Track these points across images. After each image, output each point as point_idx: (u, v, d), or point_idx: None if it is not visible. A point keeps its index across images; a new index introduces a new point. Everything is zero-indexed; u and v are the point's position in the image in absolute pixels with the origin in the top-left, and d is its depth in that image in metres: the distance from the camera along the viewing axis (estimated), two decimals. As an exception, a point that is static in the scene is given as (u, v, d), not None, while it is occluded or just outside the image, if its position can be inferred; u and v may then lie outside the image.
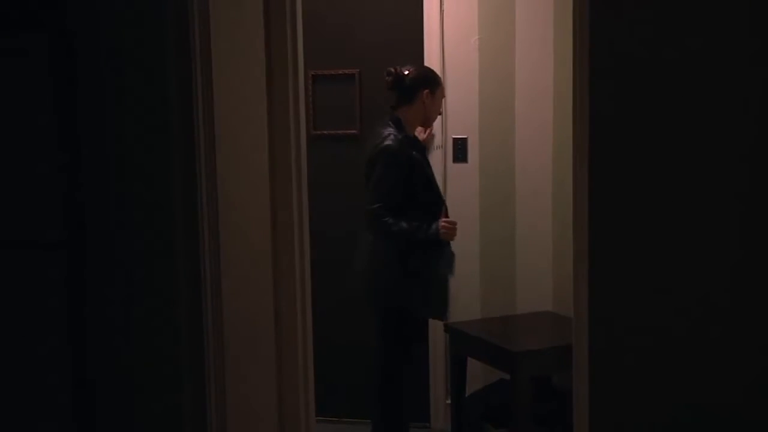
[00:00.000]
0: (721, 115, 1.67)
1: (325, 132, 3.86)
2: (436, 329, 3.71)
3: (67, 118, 1.84)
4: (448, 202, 3.69)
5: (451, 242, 3.13)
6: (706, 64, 1.67)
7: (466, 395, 3.55)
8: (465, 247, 3.73)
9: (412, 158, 3.03)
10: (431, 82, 3.16)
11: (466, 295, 3.75)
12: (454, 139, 3.72)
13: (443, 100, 3.30)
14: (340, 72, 3.83)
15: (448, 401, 3.71)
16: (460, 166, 3.73)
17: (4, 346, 1.90)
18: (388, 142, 3.01)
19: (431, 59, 3.67)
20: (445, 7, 3.66)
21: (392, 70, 3.16)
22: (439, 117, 3.50)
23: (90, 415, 1.90)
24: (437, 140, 3.71)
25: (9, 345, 1.89)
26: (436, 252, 3.08)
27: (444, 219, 3.04)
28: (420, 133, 3.36)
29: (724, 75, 1.66)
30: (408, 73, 3.14)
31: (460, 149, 3.72)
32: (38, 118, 1.85)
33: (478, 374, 3.66)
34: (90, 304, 1.88)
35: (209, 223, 1.87)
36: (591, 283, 1.77)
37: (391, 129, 3.06)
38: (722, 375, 1.71)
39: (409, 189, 3.02)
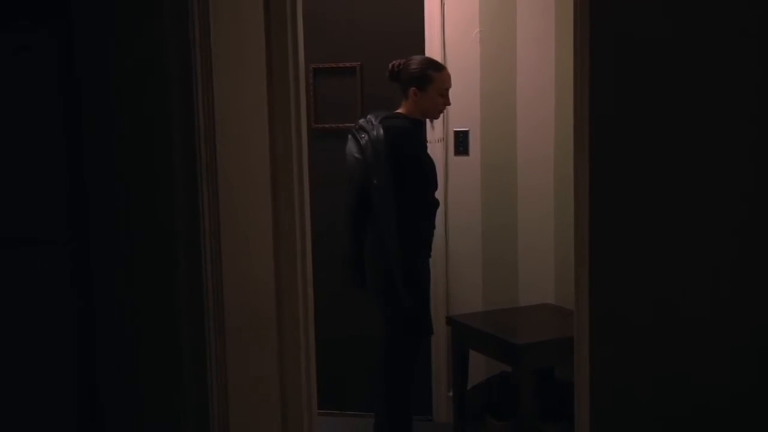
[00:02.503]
0: (723, 109, 1.67)
1: (326, 126, 3.86)
2: (438, 322, 3.72)
3: (71, 114, 1.84)
4: (450, 195, 3.73)
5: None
6: (708, 58, 1.67)
7: (469, 388, 3.56)
8: (467, 239, 3.75)
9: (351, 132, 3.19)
10: (419, 79, 3.13)
11: (468, 287, 3.76)
12: (455, 131, 3.71)
13: (447, 91, 3.24)
14: (341, 65, 3.83)
15: (450, 394, 3.71)
16: (461, 158, 3.73)
17: (10, 344, 1.90)
18: None
19: (432, 52, 3.66)
20: (446, -1, 3.66)
21: (392, 64, 3.20)
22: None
23: (95, 413, 1.91)
24: (438, 133, 3.71)
25: (14, 343, 1.90)
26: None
27: None
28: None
29: (728, 67, 1.66)
30: (404, 69, 3.15)
31: (461, 142, 3.72)
32: (42, 115, 1.85)
33: (481, 367, 3.66)
34: (96, 300, 1.89)
35: (210, 219, 1.87)
36: (592, 276, 1.77)
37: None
38: (724, 367, 1.72)
39: None
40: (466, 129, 3.71)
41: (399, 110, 3.19)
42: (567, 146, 2.73)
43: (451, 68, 3.65)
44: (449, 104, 3.26)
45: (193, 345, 1.87)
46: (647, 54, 1.69)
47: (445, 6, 3.66)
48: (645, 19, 1.68)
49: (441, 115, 3.34)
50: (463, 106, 3.69)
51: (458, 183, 3.74)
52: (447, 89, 3.20)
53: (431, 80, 3.14)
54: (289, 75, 2.33)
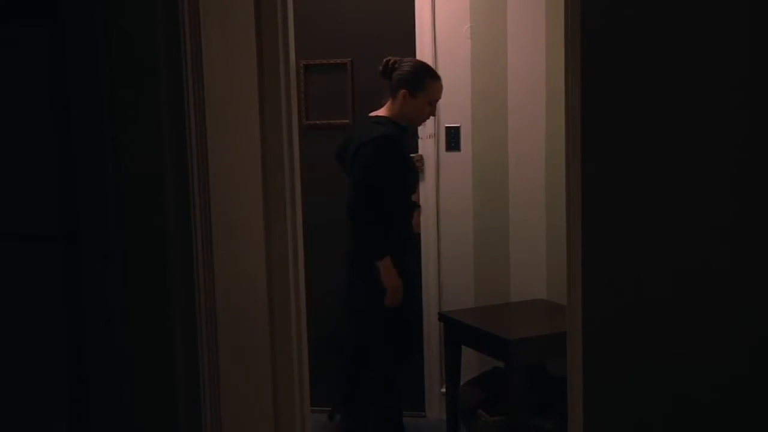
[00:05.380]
0: (716, 107, 1.67)
1: (317, 122, 3.85)
2: (430, 318, 3.72)
3: (61, 111, 1.83)
4: (442, 191, 3.73)
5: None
6: (701, 55, 1.67)
7: (461, 384, 3.56)
8: (458, 235, 3.75)
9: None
10: (412, 83, 3.08)
11: (460, 283, 3.76)
12: (446, 127, 3.71)
13: (436, 102, 3.19)
14: (332, 61, 3.82)
15: (443, 390, 3.72)
16: (453, 154, 3.72)
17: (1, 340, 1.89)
18: None
19: (423, 47, 3.66)
20: (436, -5, 3.66)
21: (387, 59, 3.16)
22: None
23: (85, 409, 1.90)
24: (429, 129, 3.70)
25: (3, 339, 1.89)
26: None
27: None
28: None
29: (721, 62, 1.66)
30: (397, 68, 3.12)
31: (452, 138, 3.71)
32: (32, 111, 1.84)
33: (473, 363, 3.67)
34: (86, 297, 1.88)
35: (201, 216, 1.86)
36: (585, 270, 1.77)
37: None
38: (718, 362, 1.72)
39: None
40: (458, 125, 3.70)
41: (383, 111, 3.17)
42: (558, 141, 2.73)
43: (442, 64, 3.66)
44: (434, 115, 3.24)
45: (185, 344, 1.86)
46: (639, 49, 1.69)
47: (436, 2, 3.65)
48: (637, 14, 1.68)
49: (421, 123, 3.29)
50: (455, 101, 3.68)
51: (450, 179, 3.73)
52: (436, 100, 3.17)
53: (425, 87, 3.09)
54: (280, 71, 2.32)
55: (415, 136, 3.72)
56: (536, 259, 3.69)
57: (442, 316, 3.55)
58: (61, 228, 1.85)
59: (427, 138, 3.69)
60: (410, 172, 3.18)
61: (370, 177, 3.01)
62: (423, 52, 3.66)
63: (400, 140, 3.11)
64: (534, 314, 3.54)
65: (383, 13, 3.76)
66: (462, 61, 3.66)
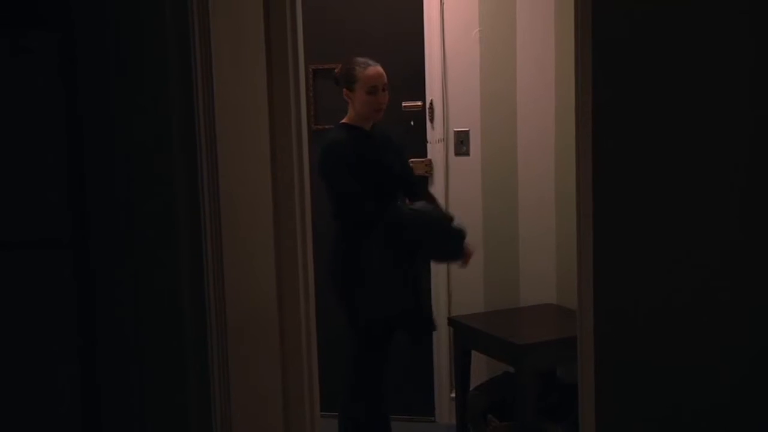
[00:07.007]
0: (726, 109, 1.66)
1: (326, 127, 3.84)
2: (440, 323, 3.70)
3: (71, 116, 1.84)
4: (451, 196, 3.72)
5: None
6: (709, 54, 1.66)
7: (471, 389, 3.55)
8: (468, 239, 3.73)
9: None
10: (345, 80, 3.13)
11: (470, 288, 3.75)
12: (455, 132, 3.71)
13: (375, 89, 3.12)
14: (341, 66, 3.82)
15: (453, 395, 3.71)
16: (462, 159, 3.72)
17: (11, 346, 1.89)
18: None
19: (432, 52, 3.66)
20: (445, -1, 3.66)
21: (335, 71, 3.21)
22: (441, 110, 3.49)
23: (96, 412, 1.90)
24: (439, 133, 3.70)
25: (15, 345, 1.89)
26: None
27: None
28: None
29: (731, 65, 1.65)
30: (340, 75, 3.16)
31: (462, 142, 3.71)
32: (43, 118, 1.84)
33: (483, 368, 3.65)
34: (98, 303, 1.88)
35: (211, 220, 1.86)
36: (595, 275, 1.76)
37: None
38: (729, 366, 1.71)
39: None
40: (467, 129, 3.70)
41: (345, 119, 3.18)
42: (568, 146, 2.72)
43: (451, 68, 3.65)
44: (383, 101, 3.13)
45: (196, 347, 1.86)
46: (651, 51, 1.68)
47: (445, 6, 3.65)
48: (648, 17, 1.67)
49: (379, 114, 3.16)
50: (464, 106, 3.68)
51: (459, 183, 3.73)
52: (374, 86, 3.09)
53: (356, 77, 3.10)
54: (290, 76, 2.32)
55: (424, 141, 3.72)
56: (546, 263, 3.68)
57: (452, 321, 3.54)
58: (72, 232, 1.86)
59: (436, 142, 3.69)
60: (370, 171, 3.10)
61: (330, 185, 3.11)
62: (432, 57, 3.66)
63: (345, 141, 3.10)
64: (544, 319, 3.53)
65: (392, 18, 3.76)
66: (471, 65, 3.65)
